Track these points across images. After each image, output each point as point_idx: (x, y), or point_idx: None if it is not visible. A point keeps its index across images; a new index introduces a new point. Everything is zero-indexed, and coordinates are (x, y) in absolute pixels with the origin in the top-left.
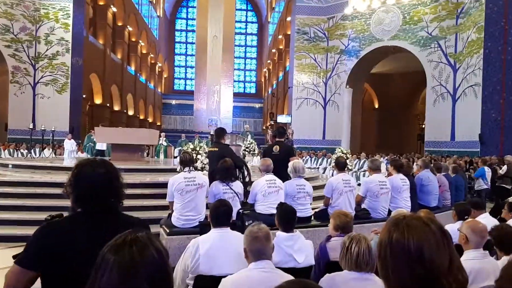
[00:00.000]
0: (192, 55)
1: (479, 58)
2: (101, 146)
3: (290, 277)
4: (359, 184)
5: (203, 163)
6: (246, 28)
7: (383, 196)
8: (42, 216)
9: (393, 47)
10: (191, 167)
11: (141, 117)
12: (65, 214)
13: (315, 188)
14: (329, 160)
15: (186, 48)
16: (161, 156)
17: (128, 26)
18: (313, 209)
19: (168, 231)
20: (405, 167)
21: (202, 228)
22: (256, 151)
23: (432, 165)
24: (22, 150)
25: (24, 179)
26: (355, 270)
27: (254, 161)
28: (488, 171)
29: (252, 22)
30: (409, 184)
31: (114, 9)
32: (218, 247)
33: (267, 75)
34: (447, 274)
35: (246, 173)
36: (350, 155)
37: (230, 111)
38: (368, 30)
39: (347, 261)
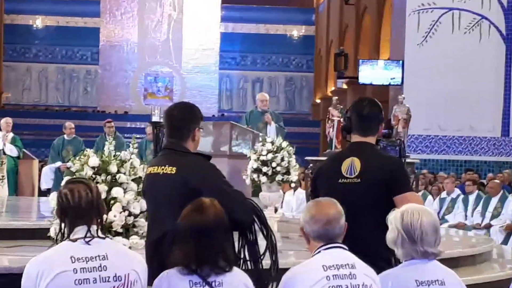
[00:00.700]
0: None
1: None
2: None
3: None
4: None
5: (132, 214)
6: None
7: None
8: None
9: None
10: (92, 226)
11: None
12: None
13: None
14: None
15: None
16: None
17: None
18: None
19: None
20: None
21: None
22: (294, 175)
23: None
24: None
25: None
26: None
27: (289, 205)
28: None
29: None
30: None
31: None
32: None
33: None
34: None
35: (266, 245)
36: None
37: (215, 49)
38: None
39: None
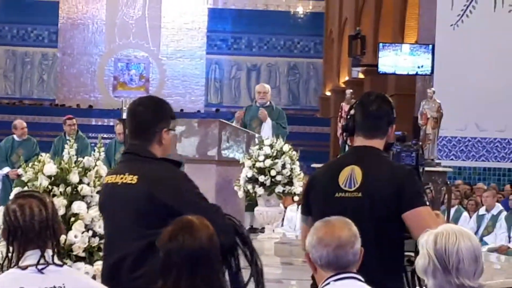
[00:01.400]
0: None
1: None
2: None
3: None
4: None
5: (97, 235)
6: None
7: None
8: None
9: None
10: (47, 250)
11: None
12: None
13: None
14: None
15: None
16: None
17: None
18: None
19: None
20: None
21: None
22: (298, 185)
23: None
24: None
25: None
26: None
27: (291, 223)
28: None
29: None
30: None
31: None
32: None
33: None
34: None
35: (251, 273)
36: None
37: (201, 29)
38: None
39: None
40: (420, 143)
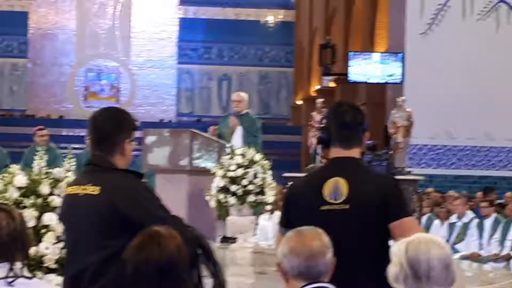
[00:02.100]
0: None
1: None
2: None
3: None
4: None
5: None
6: None
7: None
8: None
9: None
10: (16, 263)
11: None
12: None
13: None
14: None
15: None
16: None
17: None
18: None
19: None
20: None
21: None
22: (270, 195)
23: None
24: None
25: None
26: None
27: (264, 232)
28: None
29: None
30: None
31: None
32: None
33: None
34: None
35: (214, 286)
36: None
37: (172, 38)
38: None
39: None
40: (391, 152)
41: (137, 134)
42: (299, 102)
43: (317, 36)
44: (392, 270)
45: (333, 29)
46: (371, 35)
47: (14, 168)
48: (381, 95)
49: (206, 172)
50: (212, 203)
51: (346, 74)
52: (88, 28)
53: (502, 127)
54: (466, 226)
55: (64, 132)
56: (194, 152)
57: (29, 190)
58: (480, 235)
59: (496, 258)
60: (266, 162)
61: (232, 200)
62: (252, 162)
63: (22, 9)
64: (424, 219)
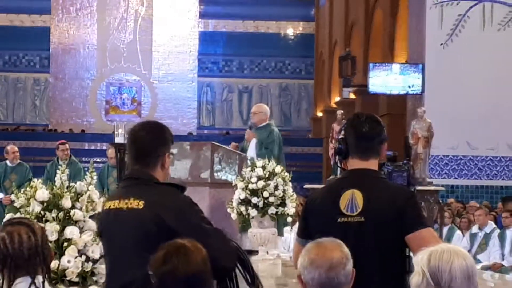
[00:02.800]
0: None
1: None
2: None
3: None
4: None
5: (90, 259)
6: None
7: None
8: None
9: None
10: (37, 277)
11: None
12: None
13: None
14: None
15: None
16: None
17: None
18: None
19: None
20: None
21: None
22: (291, 206)
23: None
24: None
25: None
26: None
27: (285, 244)
28: None
29: None
30: None
31: None
32: None
33: None
34: None
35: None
36: None
37: (192, 52)
38: None
39: None
40: (411, 162)
41: None
42: (320, 114)
43: (337, 47)
44: (414, 280)
45: (353, 41)
46: (391, 46)
47: (36, 182)
48: (401, 106)
49: (227, 184)
50: (233, 216)
51: (366, 86)
52: (109, 42)
53: None
54: (487, 237)
55: (86, 146)
56: (215, 164)
57: (51, 204)
58: (502, 246)
59: None
60: (286, 174)
61: (253, 212)
62: (272, 174)
63: (43, 25)
64: (445, 229)
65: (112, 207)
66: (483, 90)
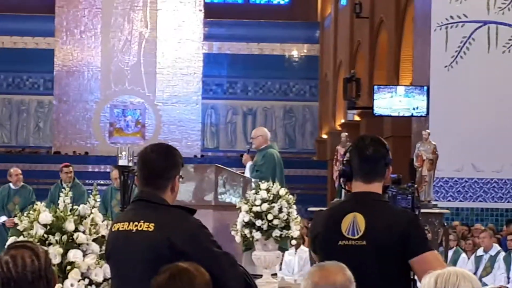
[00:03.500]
0: None
1: None
2: None
3: None
4: None
5: (94, 283)
6: None
7: None
8: None
9: None
10: None
11: None
12: None
13: None
14: None
15: None
16: None
17: None
18: None
19: None
20: None
21: None
22: (295, 229)
23: None
24: None
25: None
26: None
27: (290, 267)
28: None
29: None
30: None
31: None
32: None
33: None
34: None
35: None
36: None
37: (196, 74)
38: None
39: None
40: (416, 185)
41: None
42: (324, 136)
43: (342, 69)
44: None
45: (357, 63)
46: (396, 69)
47: (39, 205)
48: (406, 128)
49: (231, 207)
50: (238, 238)
51: (371, 108)
52: (113, 64)
53: None
54: (493, 259)
55: (90, 168)
56: (219, 187)
57: (54, 227)
58: (508, 269)
59: None
60: (290, 196)
61: (257, 235)
62: (277, 197)
63: (47, 47)
64: (450, 252)
65: (121, 229)
66: (487, 112)
